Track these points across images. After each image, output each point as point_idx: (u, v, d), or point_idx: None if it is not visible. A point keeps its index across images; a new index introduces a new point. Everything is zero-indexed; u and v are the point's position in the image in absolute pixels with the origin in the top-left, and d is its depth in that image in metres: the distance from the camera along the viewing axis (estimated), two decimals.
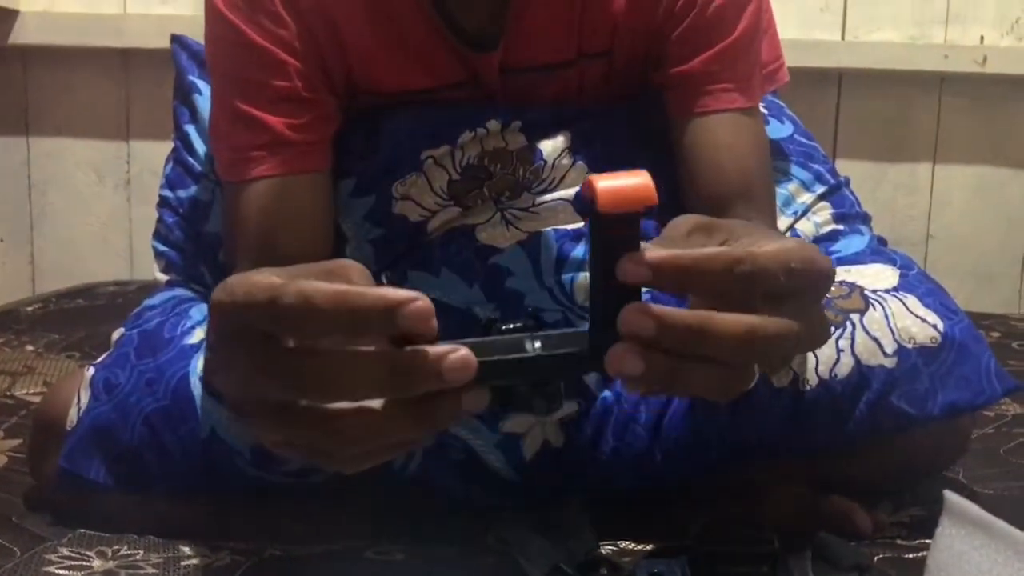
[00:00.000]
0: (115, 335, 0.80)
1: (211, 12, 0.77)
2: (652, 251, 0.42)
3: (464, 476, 0.74)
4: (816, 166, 0.93)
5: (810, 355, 0.72)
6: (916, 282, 0.78)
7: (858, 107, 1.78)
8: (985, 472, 0.88)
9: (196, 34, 1.80)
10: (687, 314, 0.42)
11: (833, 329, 0.72)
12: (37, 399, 1.04)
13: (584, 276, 0.76)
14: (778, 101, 1.04)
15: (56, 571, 0.65)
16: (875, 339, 0.72)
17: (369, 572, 0.67)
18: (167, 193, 0.91)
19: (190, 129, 0.92)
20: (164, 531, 0.72)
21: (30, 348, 1.22)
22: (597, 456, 0.74)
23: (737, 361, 0.43)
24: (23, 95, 1.82)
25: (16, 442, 0.92)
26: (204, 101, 0.92)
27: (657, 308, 0.41)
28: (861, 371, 0.71)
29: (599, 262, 0.42)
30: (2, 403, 1.02)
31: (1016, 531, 0.57)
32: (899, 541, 0.73)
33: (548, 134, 0.80)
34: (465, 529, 0.72)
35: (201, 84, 0.94)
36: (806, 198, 0.91)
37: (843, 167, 1.79)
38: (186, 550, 0.69)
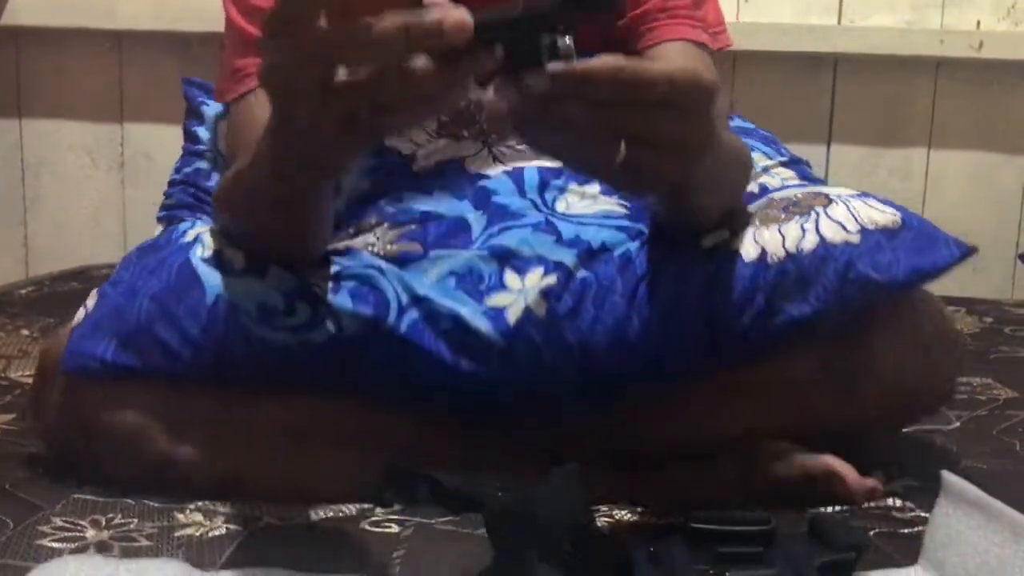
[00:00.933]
0: (95, 290, 0.80)
1: None
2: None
3: (451, 346, 0.77)
4: (776, 148, 1.03)
5: (776, 232, 0.77)
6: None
7: (854, 92, 1.78)
8: (979, 449, 0.89)
9: (188, 15, 1.80)
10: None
11: (797, 217, 0.78)
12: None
13: (566, 194, 0.86)
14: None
15: (49, 544, 0.65)
16: (839, 222, 0.77)
17: (363, 542, 0.67)
18: (174, 176, 1.01)
19: (197, 129, 1.08)
20: (165, 426, 0.72)
21: (25, 332, 1.22)
22: (578, 324, 0.77)
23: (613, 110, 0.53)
24: (15, 77, 1.81)
25: (9, 416, 0.92)
26: (209, 109, 1.11)
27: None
28: (826, 246, 0.75)
29: None
30: None
31: (1012, 511, 0.58)
32: (894, 514, 0.74)
33: None
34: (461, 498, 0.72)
35: (208, 100, 1.12)
36: (768, 163, 0.99)
37: (838, 151, 1.80)
38: (180, 517, 0.69)
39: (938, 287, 0.81)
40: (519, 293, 0.78)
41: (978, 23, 1.74)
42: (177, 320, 0.73)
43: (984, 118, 1.77)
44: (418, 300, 0.77)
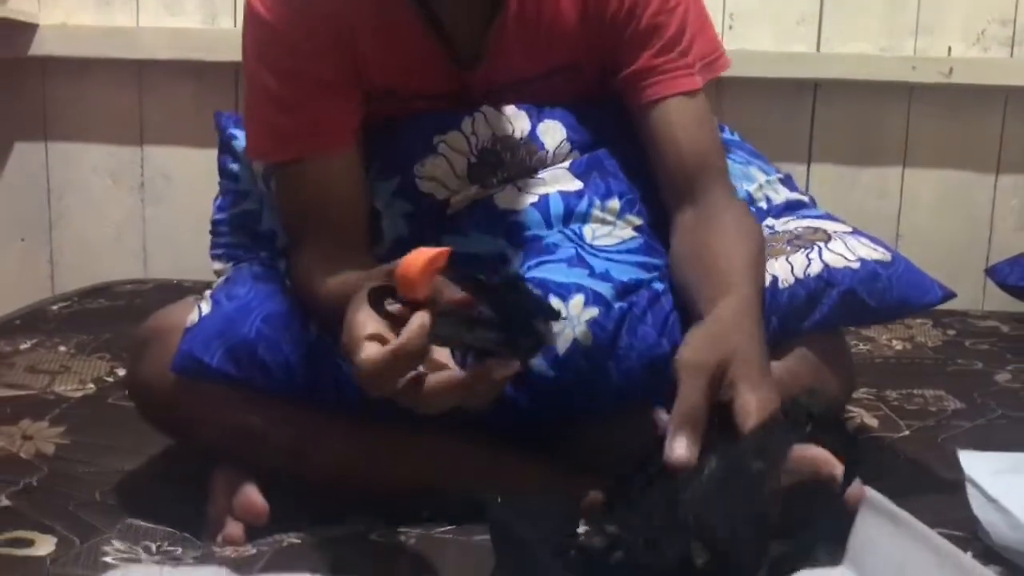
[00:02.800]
0: (207, 292, 0.92)
1: (251, 15, 0.91)
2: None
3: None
4: (765, 162, 1.12)
5: (784, 262, 0.91)
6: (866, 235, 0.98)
7: (832, 115, 1.88)
8: (925, 455, 1.01)
9: (203, 45, 1.91)
10: None
11: (802, 249, 0.92)
12: (78, 395, 1.16)
13: (590, 222, 0.95)
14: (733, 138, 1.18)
15: (111, 561, 0.76)
16: (839, 254, 0.91)
17: (372, 551, 0.78)
18: (220, 216, 1.08)
19: (234, 167, 1.11)
20: (246, 438, 0.84)
21: (63, 349, 1.33)
22: (616, 351, 0.88)
23: None
24: (42, 103, 1.92)
25: (60, 429, 1.04)
26: (240, 143, 1.10)
27: None
28: (830, 271, 0.89)
29: None
30: (44, 398, 1.14)
31: (918, 523, 0.69)
32: None
33: (543, 119, 0.97)
34: (465, 510, 0.83)
35: (238, 133, 1.12)
36: (763, 178, 1.09)
37: (818, 171, 1.91)
38: (217, 550, 0.80)
39: None
40: (565, 321, 0.87)
41: (949, 49, 1.84)
42: (279, 345, 0.85)
43: (955, 139, 1.88)
44: None
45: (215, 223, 1.07)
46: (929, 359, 1.41)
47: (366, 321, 0.64)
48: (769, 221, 1.03)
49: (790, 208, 1.05)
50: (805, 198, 1.08)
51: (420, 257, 0.60)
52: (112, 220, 1.96)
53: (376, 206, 0.95)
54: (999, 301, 1.76)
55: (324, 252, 0.88)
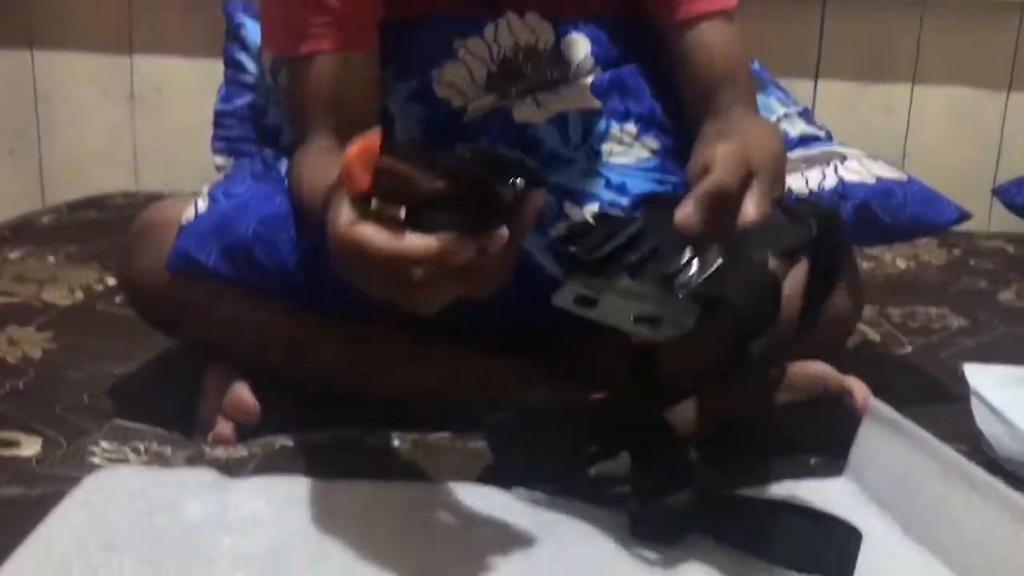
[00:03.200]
0: (205, 188, 0.88)
1: None
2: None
3: (518, 283, 0.84)
4: (788, 96, 1.09)
5: (799, 177, 0.89)
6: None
7: (841, 29, 1.82)
8: (928, 371, 1.01)
9: None
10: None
11: (818, 166, 0.91)
12: (67, 302, 1.15)
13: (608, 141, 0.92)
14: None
15: (98, 462, 0.75)
16: (855, 171, 0.90)
17: (367, 454, 0.77)
18: (224, 107, 1.04)
19: (241, 56, 1.06)
20: (241, 334, 0.83)
21: (52, 259, 1.31)
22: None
23: None
24: (26, 8, 1.86)
25: (48, 334, 1.03)
26: (250, 32, 1.08)
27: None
28: (845, 185, 0.88)
29: None
30: (32, 305, 1.12)
31: (920, 430, 0.67)
32: None
33: (568, 32, 0.93)
34: (464, 417, 0.82)
35: (246, 20, 1.08)
36: (781, 111, 1.06)
37: (825, 88, 1.86)
38: (207, 450, 0.79)
39: None
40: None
41: None
42: (277, 247, 0.82)
43: (967, 55, 1.82)
44: None
45: (218, 114, 1.04)
46: (933, 277, 1.40)
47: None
48: None
49: (804, 142, 1.04)
50: (821, 133, 1.06)
51: (352, 150, 0.56)
52: (102, 132, 1.91)
53: (390, 109, 0.92)
54: (1005, 222, 1.73)
55: (328, 147, 0.85)
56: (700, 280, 0.59)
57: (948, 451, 0.64)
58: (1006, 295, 1.30)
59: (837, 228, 0.78)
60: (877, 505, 0.68)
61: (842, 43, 1.83)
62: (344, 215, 0.57)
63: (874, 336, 1.12)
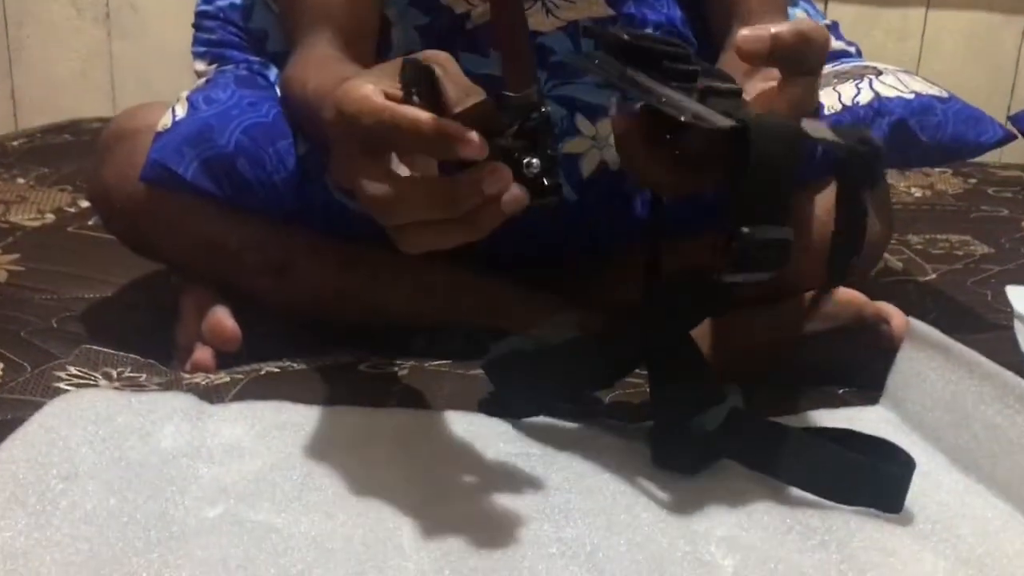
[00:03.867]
0: (184, 93, 0.81)
1: None
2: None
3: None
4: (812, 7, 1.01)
5: (831, 92, 0.81)
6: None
7: None
8: (956, 298, 0.95)
9: None
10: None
11: (852, 80, 0.83)
12: (35, 224, 1.07)
13: None
14: None
15: (64, 387, 0.68)
16: (891, 85, 0.82)
17: (362, 381, 0.71)
18: (205, 7, 0.94)
19: None
20: (223, 252, 0.75)
21: (21, 181, 1.23)
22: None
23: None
24: None
25: (14, 256, 0.95)
26: None
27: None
28: (881, 100, 0.80)
29: None
30: None
31: (971, 352, 0.61)
32: None
33: None
34: (464, 344, 0.76)
35: None
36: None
37: (835, 10, 1.77)
38: (185, 376, 0.72)
39: None
40: (593, 141, 0.80)
41: None
42: (262, 161, 0.75)
43: None
44: None
45: (199, 15, 0.95)
46: (951, 205, 1.33)
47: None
48: None
49: (833, 58, 0.95)
50: (851, 48, 0.98)
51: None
52: (77, 54, 1.83)
53: (387, 14, 0.83)
54: (1019, 153, 1.67)
55: (323, 52, 0.77)
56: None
57: (1006, 373, 0.58)
58: None
59: (873, 156, 0.70)
60: (920, 434, 0.62)
61: None
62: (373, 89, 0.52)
63: (896, 264, 1.06)
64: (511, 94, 0.51)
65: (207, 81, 0.85)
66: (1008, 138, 0.86)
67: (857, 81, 0.83)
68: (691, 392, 0.58)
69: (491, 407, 0.66)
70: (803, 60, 0.58)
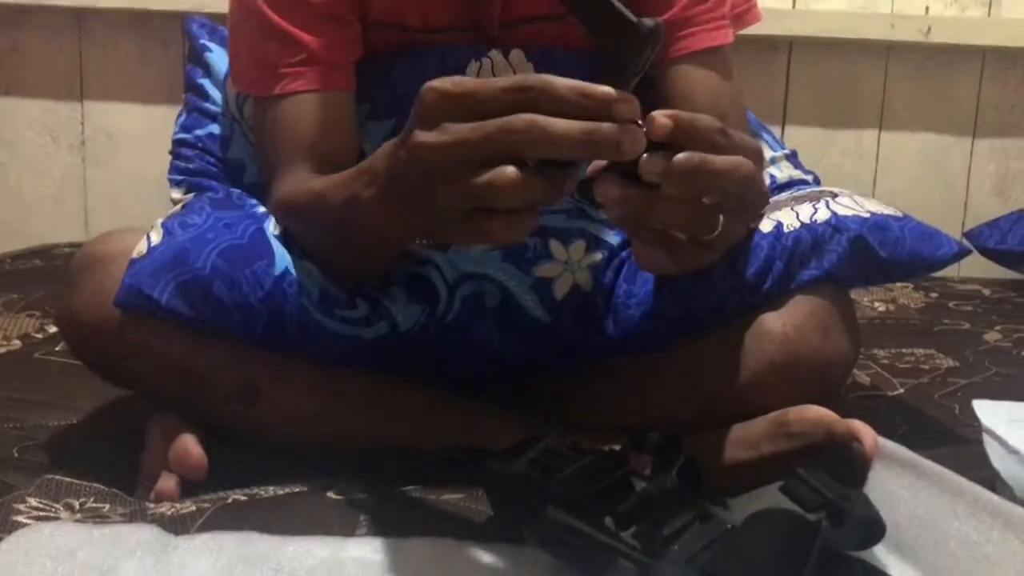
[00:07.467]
0: (159, 220, 0.81)
1: None
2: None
3: (499, 323, 0.83)
4: (774, 138, 1.06)
5: (789, 211, 0.83)
6: None
7: (807, 74, 1.82)
8: (925, 412, 0.96)
9: None
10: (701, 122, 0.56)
11: (808, 202, 0.85)
12: (2, 350, 1.06)
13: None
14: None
15: (24, 521, 0.66)
16: (847, 206, 0.84)
17: (329, 509, 0.70)
18: (184, 135, 0.97)
19: (204, 82, 1.01)
20: (193, 378, 0.75)
21: None
22: (613, 299, 0.83)
23: (721, 196, 0.56)
24: None
25: None
26: (216, 57, 1.02)
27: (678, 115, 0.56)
28: (839, 218, 0.82)
29: None
30: None
31: (940, 468, 0.62)
32: None
33: (555, 67, 0.86)
34: (437, 469, 0.75)
35: (212, 45, 1.02)
36: (769, 154, 1.02)
37: (792, 133, 1.84)
38: (150, 506, 0.71)
39: None
40: (565, 265, 0.83)
41: (927, 8, 1.78)
42: (239, 283, 0.75)
43: (933, 100, 1.82)
44: (466, 277, 0.82)
45: (176, 143, 0.97)
46: (915, 319, 1.36)
47: None
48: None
49: (793, 186, 0.99)
50: (809, 177, 1.02)
51: None
52: (51, 179, 1.84)
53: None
54: (976, 268, 1.71)
55: (307, 178, 0.79)
56: (699, 550, 0.52)
57: (976, 488, 0.58)
58: (991, 335, 1.26)
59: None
60: (898, 555, 0.62)
61: (809, 89, 1.82)
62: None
63: (864, 379, 1.07)
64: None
65: (183, 205, 0.86)
66: (963, 252, 0.88)
67: (814, 202, 0.85)
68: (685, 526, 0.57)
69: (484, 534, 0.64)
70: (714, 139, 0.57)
